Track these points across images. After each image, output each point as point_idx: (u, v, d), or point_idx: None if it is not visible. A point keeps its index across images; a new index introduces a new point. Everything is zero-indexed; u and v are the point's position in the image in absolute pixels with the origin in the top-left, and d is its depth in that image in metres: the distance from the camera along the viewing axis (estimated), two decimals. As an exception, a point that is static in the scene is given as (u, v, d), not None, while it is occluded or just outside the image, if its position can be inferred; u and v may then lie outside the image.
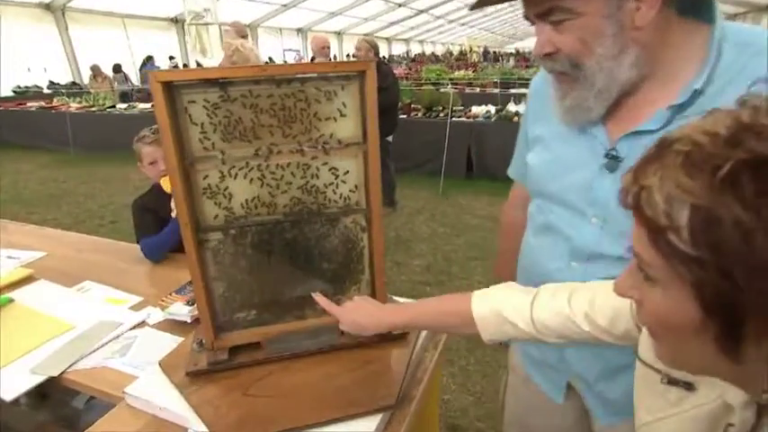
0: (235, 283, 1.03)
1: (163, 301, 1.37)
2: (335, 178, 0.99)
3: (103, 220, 4.52)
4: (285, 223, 1.00)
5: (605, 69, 0.66)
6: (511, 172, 1.04)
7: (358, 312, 0.90)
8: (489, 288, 0.78)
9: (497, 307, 0.74)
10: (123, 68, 10.34)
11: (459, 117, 5.57)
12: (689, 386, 0.51)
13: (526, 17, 0.70)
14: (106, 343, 1.24)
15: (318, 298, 0.95)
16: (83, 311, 1.38)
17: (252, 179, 0.95)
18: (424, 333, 1.14)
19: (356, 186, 1.01)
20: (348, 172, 0.99)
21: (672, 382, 0.52)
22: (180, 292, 1.41)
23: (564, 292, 0.70)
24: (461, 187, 5.17)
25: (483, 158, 5.34)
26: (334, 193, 1.00)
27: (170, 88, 0.86)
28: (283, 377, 1.00)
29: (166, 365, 1.06)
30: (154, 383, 1.02)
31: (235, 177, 0.95)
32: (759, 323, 0.35)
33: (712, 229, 0.35)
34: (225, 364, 1.02)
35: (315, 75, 0.92)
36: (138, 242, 1.73)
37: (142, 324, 1.32)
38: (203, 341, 1.07)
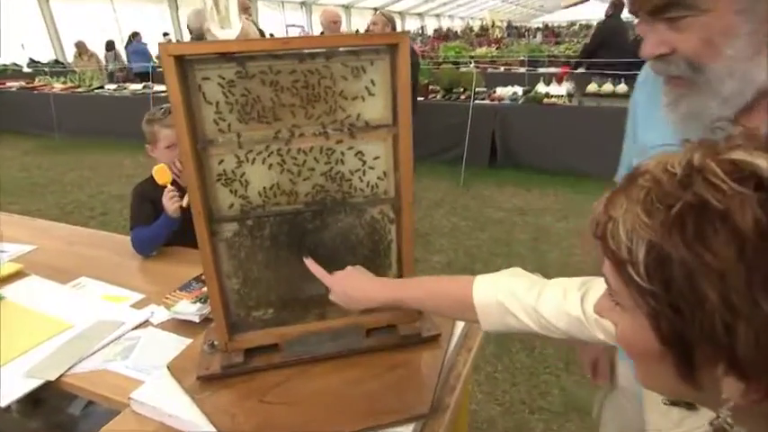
0: (251, 278, 1.04)
1: (167, 298, 1.38)
2: (362, 164, 1.00)
3: (93, 211, 4.58)
4: (306, 213, 1.00)
5: (737, 73, 0.63)
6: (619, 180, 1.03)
7: (349, 283, 0.93)
8: (494, 274, 0.80)
9: (501, 296, 0.76)
10: (116, 46, 10.37)
11: (482, 99, 5.54)
12: (690, 406, 0.55)
13: (633, 12, 0.67)
14: (107, 344, 1.26)
15: (310, 264, 0.97)
16: (80, 310, 1.40)
17: (271, 165, 0.96)
18: (457, 335, 1.14)
19: (385, 173, 1.01)
20: (376, 158, 1.00)
21: (673, 402, 0.56)
22: (185, 288, 1.42)
23: (576, 291, 0.71)
24: (484, 177, 5.15)
25: (508, 145, 5.31)
26: (361, 180, 1.01)
27: (182, 63, 0.87)
28: (303, 382, 1.01)
29: (175, 369, 1.07)
30: (162, 388, 1.03)
31: (252, 162, 0.95)
32: (706, 351, 0.41)
33: (664, 266, 0.40)
34: (240, 368, 1.03)
35: (341, 48, 0.92)
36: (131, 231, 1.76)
37: (145, 324, 1.33)
38: (215, 342, 1.08)
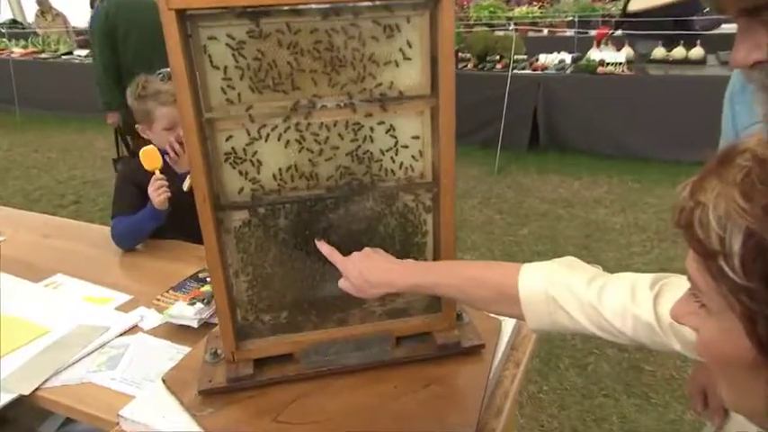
0: (262, 276, 1.05)
1: (158, 300, 1.40)
2: (395, 142, 1.00)
3: (64, 199, 4.65)
4: (329, 200, 1.02)
5: None
6: None
7: (366, 264, 0.95)
8: (545, 262, 0.80)
9: (552, 289, 0.76)
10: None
11: (522, 69, 5.50)
12: None
13: (720, 10, 0.67)
14: (90, 353, 1.28)
15: (321, 245, 1.01)
16: (57, 313, 1.43)
17: (288, 142, 0.97)
18: (503, 346, 1.15)
19: (421, 153, 1.01)
20: (415, 137, 1.00)
21: None
22: (180, 289, 1.44)
23: (648, 289, 0.71)
24: (524, 163, 5.13)
25: (553, 124, 5.28)
26: (393, 161, 1.01)
27: (184, 19, 0.87)
28: (323, 399, 1.02)
29: (172, 382, 1.09)
30: (157, 404, 1.04)
31: (266, 139, 0.96)
32: None
33: (764, 258, 0.39)
34: (249, 381, 1.04)
35: (372, 3, 0.91)
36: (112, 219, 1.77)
37: (134, 329, 1.36)
38: (219, 351, 1.09)
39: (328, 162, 0.99)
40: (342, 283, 0.98)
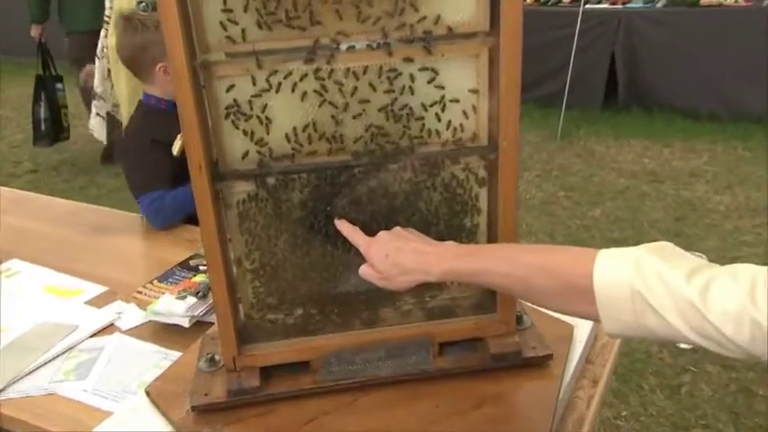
0: (272, 264, 1.05)
1: (140, 293, 1.42)
2: (441, 95, 0.99)
3: (18, 167, 4.75)
4: (356, 169, 1.02)
5: None
6: None
7: (396, 244, 0.97)
8: (629, 249, 0.79)
9: (639, 282, 0.75)
10: None
11: (597, 2, 5.43)
12: None
13: None
14: (54, 357, 1.30)
15: (341, 224, 1.03)
16: (13, 307, 1.45)
17: (305, 94, 0.96)
18: (575, 358, 1.15)
19: (475, 109, 1.00)
20: (466, 87, 0.99)
21: None
22: (167, 279, 1.46)
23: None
24: (596, 124, 5.08)
25: (636, 74, 5.20)
26: (438, 119, 1.01)
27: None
28: (348, 420, 1.02)
29: (158, 394, 1.10)
30: (138, 423, 1.06)
31: (277, 90, 0.96)
32: None
33: None
34: (255, 395, 1.05)
35: None
36: (136, 196, 1.78)
37: (109, 329, 1.38)
38: (216, 357, 1.11)
39: (356, 120, 0.99)
40: (363, 270, 0.99)
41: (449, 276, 0.95)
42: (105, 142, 3.65)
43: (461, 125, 1.02)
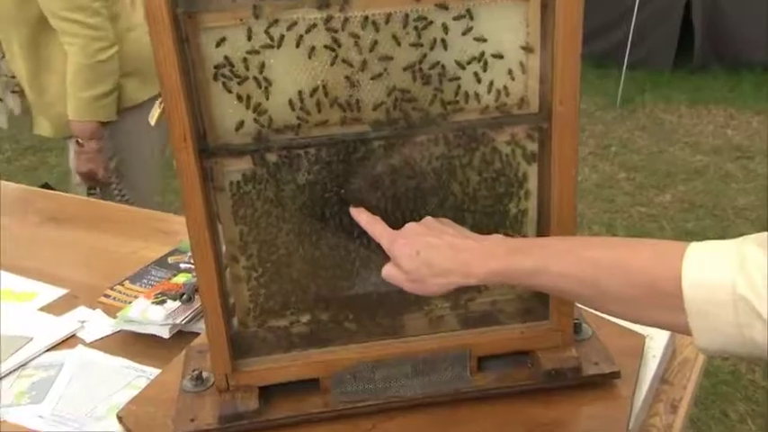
0: (273, 260, 1.06)
1: (108, 296, 1.43)
2: (481, 51, 0.99)
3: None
4: (376, 143, 1.02)
5: None
6: None
7: (427, 239, 0.96)
8: (728, 242, 0.77)
9: (744, 284, 0.72)
10: None
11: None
12: None
13: None
14: (3, 377, 1.31)
15: (358, 213, 1.03)
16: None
17: (313, 49, 0.97)
18: (649, 376, 1.14)
19: (522, 67, 1.01)
20: (514, 41, 0.99)
21: None
22: (142, 279, 1.48)
23: None
24: (666, 89, 5.06)
25: (717, 26, 5.16)
26: (477, 79, 1.01)
27: None
28: (368, 451, 1.04)
29: (133, 421, 1.11)
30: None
31: (279, 45, 0.96)
32: None
33: None
34: (252, 421, 1.05)
35: None
36: None
37: (71, 341, 1.38)
38: (204, 374, 1.11)
39: (376, 81, 0.99)
40: (387, 271, 0.99)
41: (495, 278, 0.93)
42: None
43: (506, 87, 1.01)
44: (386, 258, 0.99)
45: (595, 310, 0.97)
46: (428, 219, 1.00)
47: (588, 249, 0.87)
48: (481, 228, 1.06)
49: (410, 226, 0.99)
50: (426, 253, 0.94)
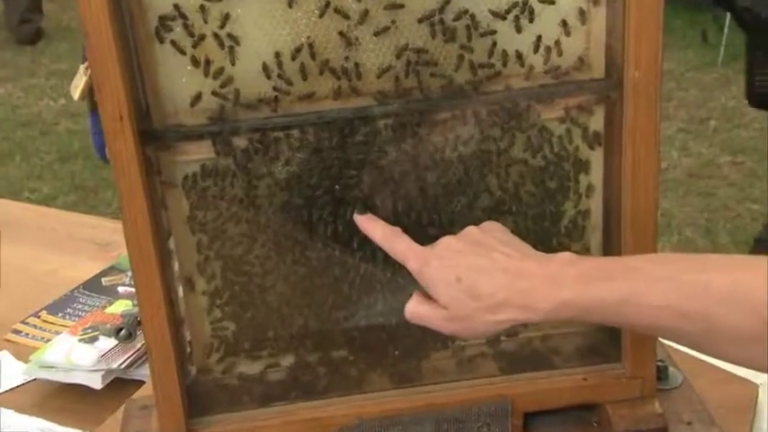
0: (243, 283, 1.06)
1: (18, 332, 1.44)
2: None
3: None
4: (382, 121, 1.03)
5: None
6: None
7: (471, 261, 0.94)
8: None
9: None
10: None
11: None
12: None
13: None
14: None
15: (364, 222, 1.02)
16: None
17: (295, -5, 0.98)
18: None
19: (582, 16, 1.01)
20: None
21: None
22: (62, 309, 1.48)
23: None
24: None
25: None
26: (519, 34, 1.01)
27: None
28: None
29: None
30: None
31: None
32: None
33: None
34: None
35: None
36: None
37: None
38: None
39: (381, 38, 0.99)
40: (415, 308, 0.97)
41: (565, 313, 0.90)
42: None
43: (559, 44, 1.02)
44: (404, 279, 1.00)
45: (700, 351, 0.97)
46: (470, 229, 0.98)
47: (692, 272, 0.85)
48: (525, 238, 1.04)
49: (446, 241, 0.97)
50: (471, 279, 0.92)
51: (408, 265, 0.96)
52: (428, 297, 0.95)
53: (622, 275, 0.88)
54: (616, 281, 0.88)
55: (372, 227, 1.00)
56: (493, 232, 0.98)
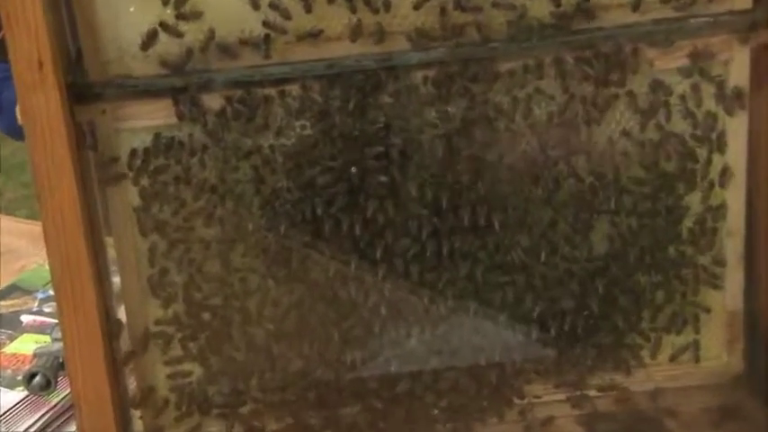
0: (216, 305, 1.03)
1: None
2: None
3: None
4: (420, 73, 1.08)
5: None
6: None
7: None
8: None
9: None
10: None
11: None
12: None
13: None
14: None
15: None
16: None
17: None
18: None
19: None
20: None
21: None
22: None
23: None
24: None
25: None
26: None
27: None
28: None
29: None
30: None
31: None
32: None
33: None
34: None
35: None
36: None
37: None
38: None
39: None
40: None
41: None
42: None
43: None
44: (451, 307, 0.98)
45: None
46: None
47: None
48: (627, 240, 1.05)
49: None
50: None
51: None
52: None
53: None
54: None
55: None
56: None
